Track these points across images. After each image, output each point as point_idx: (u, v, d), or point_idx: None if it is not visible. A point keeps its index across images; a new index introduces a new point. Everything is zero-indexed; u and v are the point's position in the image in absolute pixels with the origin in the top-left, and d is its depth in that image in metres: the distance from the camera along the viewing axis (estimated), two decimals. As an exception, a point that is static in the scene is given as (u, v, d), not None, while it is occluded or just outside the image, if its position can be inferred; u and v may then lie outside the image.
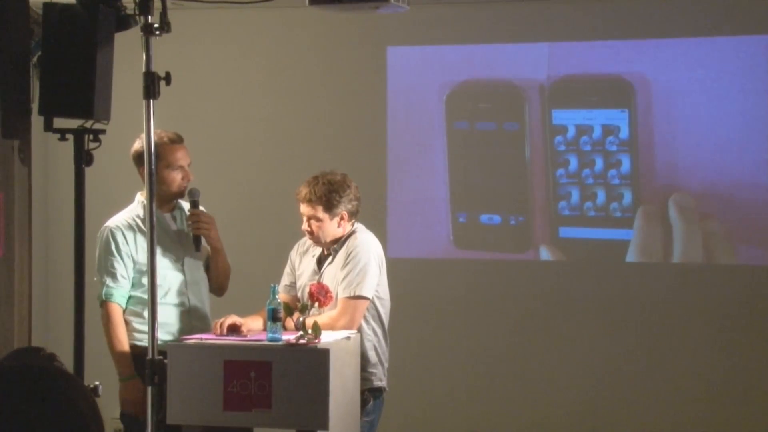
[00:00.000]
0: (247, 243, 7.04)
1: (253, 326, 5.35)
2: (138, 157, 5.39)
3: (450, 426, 7.24)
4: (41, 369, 1.80)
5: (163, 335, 5.26)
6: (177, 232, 5.53)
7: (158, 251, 5.08)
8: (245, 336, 5.22)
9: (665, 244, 6.96)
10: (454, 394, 7.23)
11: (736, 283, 6.92)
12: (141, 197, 5.47)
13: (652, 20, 6.94)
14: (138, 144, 5.39)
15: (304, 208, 5.42)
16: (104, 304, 5.45)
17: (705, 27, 6.86)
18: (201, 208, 5.59)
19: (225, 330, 5.21)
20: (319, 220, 5.38)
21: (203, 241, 5.51)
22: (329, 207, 5.39)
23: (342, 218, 5.42)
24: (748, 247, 6.90)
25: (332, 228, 5.43)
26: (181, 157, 5.46)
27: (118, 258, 5.44)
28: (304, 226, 5.43)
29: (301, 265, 5.59)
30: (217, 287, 5.64)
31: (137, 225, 5.42)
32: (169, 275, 5.48)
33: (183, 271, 5.52)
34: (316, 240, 5.46)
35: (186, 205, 5.57)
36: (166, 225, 5.53)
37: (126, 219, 5.47)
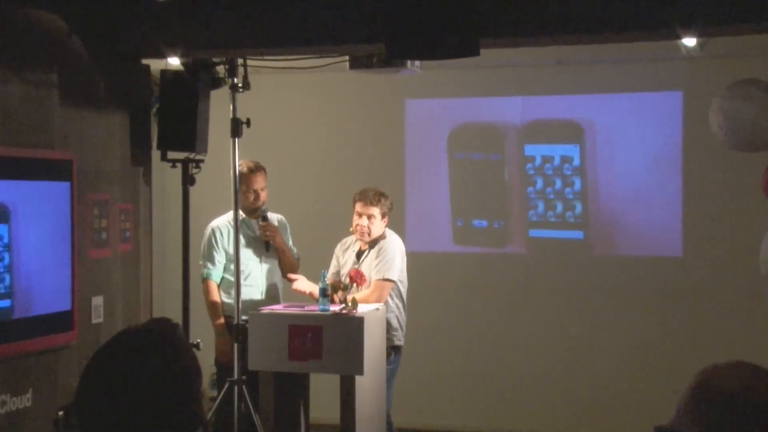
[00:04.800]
0: (309, 239, 7.03)
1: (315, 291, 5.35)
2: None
3: (454, 373, 7.17)
4: (157, 330, 1.76)
5: (245, 308, 5.34)
6: (259, 234, 5.59)
7: (245, 246, 5.29)
8: (304, 307, 5.28)
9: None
10: (455, 350, 7.17)
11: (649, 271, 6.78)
12: None
13: (597, 79, 6.91)
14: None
15: (364, 208, 5.36)
16: (205, 281, 5.51)
17: (633, 84, 6.83)
18: (272, 215, 5.65)
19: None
20: (373, 217, 5.38)
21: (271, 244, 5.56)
22: (382, 208, 5.41)
23: (384, 219, 5.47)
24: (657, 241, 6.82)
25: (380, 225, 5.42)
26: (255, 182, 5.48)
27: (217, 249, 5.50)
28: (363, 223, 5.36)
29: (343, 258, 5.59)
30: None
31: (230, 226, 5.48)
32: (250, 264, 5.52)
33: (260, 262, 5.58)
34: (367, 234, 5.39)
35: (272, 216, 5.64)
36: (253, 228, 5.59)
37: (225, 221, 5.55)
